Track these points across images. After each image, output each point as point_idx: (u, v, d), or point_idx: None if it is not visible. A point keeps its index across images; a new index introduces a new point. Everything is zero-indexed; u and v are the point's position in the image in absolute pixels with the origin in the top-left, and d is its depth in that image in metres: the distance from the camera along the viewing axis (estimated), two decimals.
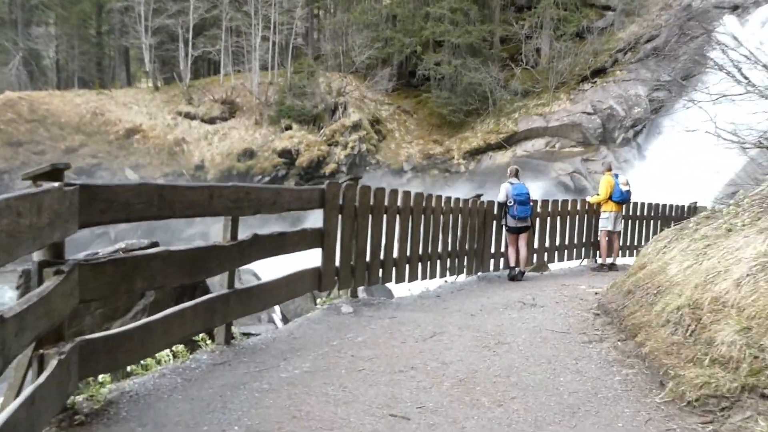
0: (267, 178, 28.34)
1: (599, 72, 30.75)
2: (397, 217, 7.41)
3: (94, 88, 33.69)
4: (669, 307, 4.72)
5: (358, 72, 32.99)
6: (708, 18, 30.70)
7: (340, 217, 6.32)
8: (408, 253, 7.68)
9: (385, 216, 7.14)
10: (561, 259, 10.76)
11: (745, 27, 28.79)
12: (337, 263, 6.36)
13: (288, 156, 28.59)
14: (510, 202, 9.43)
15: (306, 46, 38.79)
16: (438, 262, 8.36)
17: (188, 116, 29.68)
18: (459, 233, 8.80)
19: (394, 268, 7.42)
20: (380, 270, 7.16)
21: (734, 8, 30.64)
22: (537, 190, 28.31)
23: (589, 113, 29.16)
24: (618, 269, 10.21)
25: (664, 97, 29.56)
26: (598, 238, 10.81)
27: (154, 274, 3.61)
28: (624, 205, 10.80)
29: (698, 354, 4.07)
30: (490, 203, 9.54)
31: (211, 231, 26.68)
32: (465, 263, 9.03)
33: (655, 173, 27.19)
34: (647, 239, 12.15)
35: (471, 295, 7.94)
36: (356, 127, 29.60)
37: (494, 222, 9.66)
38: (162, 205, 3.56)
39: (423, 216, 7.89)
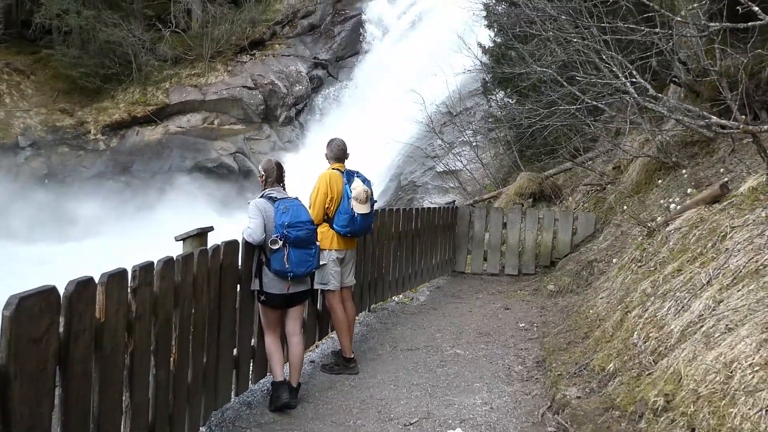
0: None
1: (258, 44, 25.84)
2: None
3: None
4: None
5: None
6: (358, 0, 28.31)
7: None
8: None
9: None
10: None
11: (394, 8, 27.05)
12: None
13: None
14: (274, 243, 3.91)
15: None
16: None
17: None
18: (174, 356, 2.99)
19: None
20: None
21: None
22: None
23: (250, 88, 24.08)
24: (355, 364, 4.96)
25: (322, 75, 26.15)
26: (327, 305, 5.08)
27: None
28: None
29: None
30: (230, 247, 3.83)
31: None
32: (187, 413, 3.26)
33: (319, 155, 23.40)
34: (419, 274, 7.70)
35: None
36: None
37: (238, 286, 4.02)
38: None
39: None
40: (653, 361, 3.41)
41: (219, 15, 24.67)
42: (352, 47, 26.83)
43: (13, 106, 22.31)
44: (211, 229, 4.16)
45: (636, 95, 5.64)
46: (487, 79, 15.68)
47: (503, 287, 8.17)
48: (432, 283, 8.31)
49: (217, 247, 3.68)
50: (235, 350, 4.03)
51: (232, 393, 4.05)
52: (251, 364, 4.27)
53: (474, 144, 16.68)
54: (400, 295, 7.38)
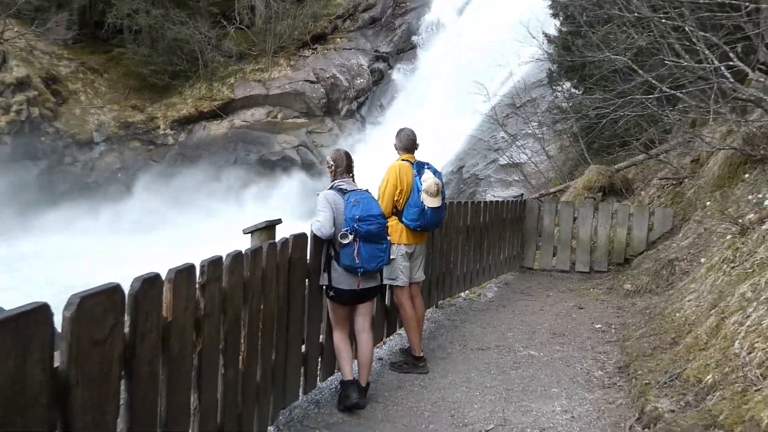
0: None
1: (320, 38, 25.88)
2: None
3: None
4: None
5: (23, 16, 22.97)
6: None
7: None
8: None
9: None
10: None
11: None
12: None
13: None
14: (344, 237, 3.73)
15: None
16: None
17: None
18: (243, 354, 2.86)
19: None
20: None
21: None
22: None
23: (312, 81, 24.15)
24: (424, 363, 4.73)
25: (383, 68, 25.99)
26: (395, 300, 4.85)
27: None
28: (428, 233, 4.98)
29: None
30: (298, 241, 3.67)
31: None
32: (256, 412, 3.16)
33: (382, 148, 23.13)
34: (486, 270, 7.41)
35: None
36: (23, 85, 20.32)
37: (307, 281, 3.87)
38: None
39: None
40: (761, 375, 3.04)
41: (281, 11, 24.86)
42: (413, 40, 26.56)
43: (87, 103, 23.13)
44: (279, 221, 4.02)
45: (732, 80, 5.13)
46: (552, 69, 15.07)
47: (574, 285, 7.77)
48: (499, 279, 7.99)
49: (285, 241, 3.53)
50: (303, 347, 3.88)
51: (300, 391, 3.91)
52: (319, 362, 4.12)
53: (539, 136, 16.07)
54: (467, 291, 7.11)
